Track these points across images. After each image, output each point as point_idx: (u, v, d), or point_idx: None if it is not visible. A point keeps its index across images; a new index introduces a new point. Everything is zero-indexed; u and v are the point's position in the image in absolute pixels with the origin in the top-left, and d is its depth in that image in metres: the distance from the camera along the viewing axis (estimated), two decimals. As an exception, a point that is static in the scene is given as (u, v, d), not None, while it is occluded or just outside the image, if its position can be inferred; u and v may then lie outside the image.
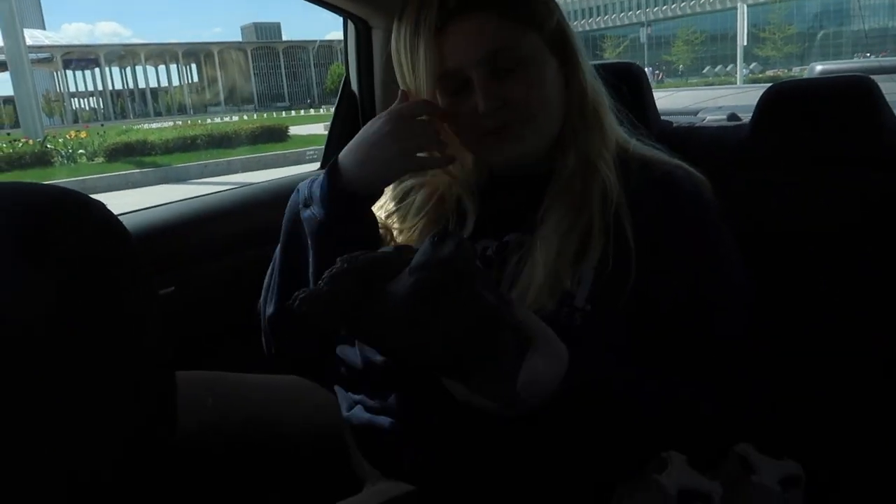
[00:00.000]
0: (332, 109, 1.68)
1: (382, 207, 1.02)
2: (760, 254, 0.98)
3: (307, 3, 1.44)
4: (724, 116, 2.78)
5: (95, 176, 9.46)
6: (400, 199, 1.03)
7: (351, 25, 1.58)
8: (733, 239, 0.95)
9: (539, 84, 0.90)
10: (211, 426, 0.86)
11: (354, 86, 1.62)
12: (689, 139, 1.31)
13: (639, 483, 0.79)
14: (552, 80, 0.92)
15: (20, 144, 11.73)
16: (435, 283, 0.68)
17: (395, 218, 1.01)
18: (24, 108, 13.90)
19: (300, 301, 0.69)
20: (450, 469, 0.87)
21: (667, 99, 5.36)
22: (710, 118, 3.00)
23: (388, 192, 1.04)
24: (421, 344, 0.68)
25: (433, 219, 0.99)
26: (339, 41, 1.64)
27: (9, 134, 13.44)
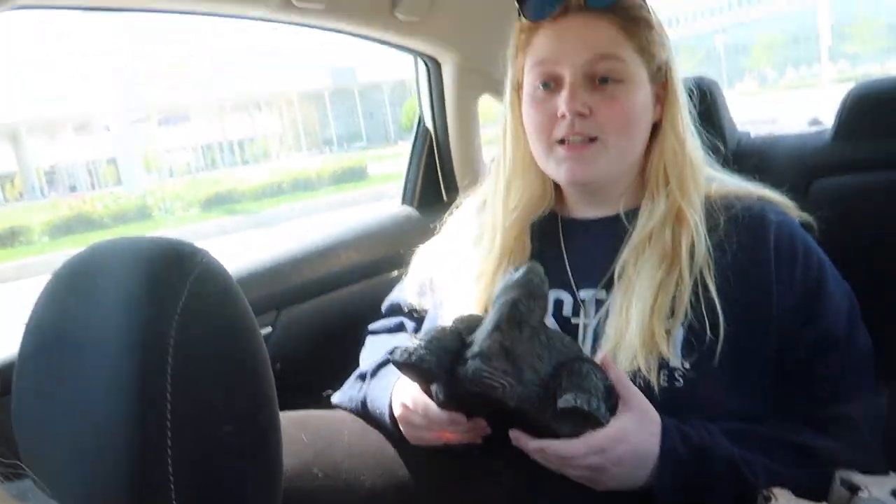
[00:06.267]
0: (408, 146, 1.74)
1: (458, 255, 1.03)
2: (846, 262, 0.95)
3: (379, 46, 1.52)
4: (806, 122, 2.69)
5: (191, 226, 9.96)
6: (475, 239, 1.03)
7: (421, 64, 1.64)
8: (828, 264, 0.90)
9: (629, 104, 0.89)
10: (306, 463, 0.90)
11: (428, 122, 1.67)
12: (767, 149, 1.29)
13: None
14: (643, 106, 0.91)
15: (122, 201, 12.52)
16: (514, 301, 0.73)
17: (471, 263, 1.01)
18: (125, 166, 14.87)
19: (399, 358, 0.75)
20: None
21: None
22: (791, 125, 2.92)
23: (468, 236, 1.05)
24: (513, 378, 0.72)
25: (499, 263, 0.97)
26: (413, 79, 1.70)
27: (112, 191, 14.38)
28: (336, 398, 1.06)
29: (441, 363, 0.75)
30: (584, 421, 0.74)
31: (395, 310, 1.14)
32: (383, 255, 1.42)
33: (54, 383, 0.60)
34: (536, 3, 0.92)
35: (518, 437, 0.78)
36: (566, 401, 0.71)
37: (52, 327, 0.63)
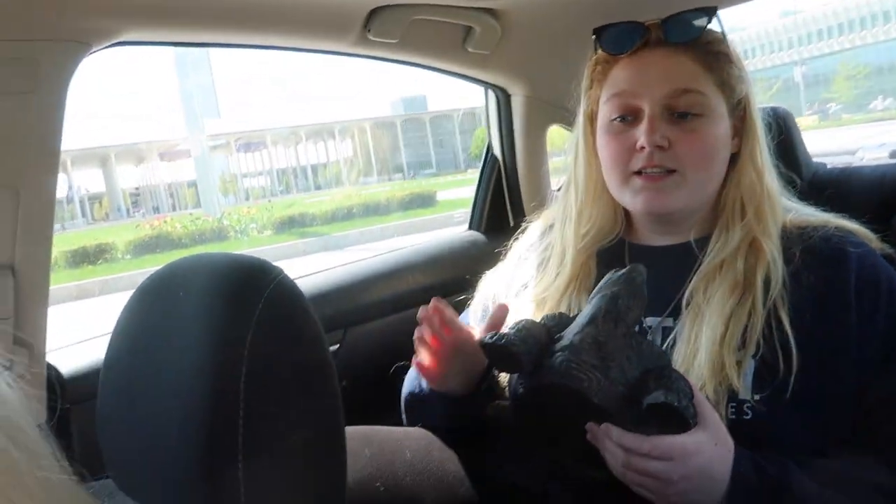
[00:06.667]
0: (477, 173, 1.76)
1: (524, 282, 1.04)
2: None
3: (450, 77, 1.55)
4: (886, 154, 2.58)
5: (265, 247, 10.26)
6: (540, 264, 1.04)
7: (491, 94, 1.66)
8: None
9: (709, 138, 0.89)
10: (369, 477, 0.91)
11: (497, 151, 1.69)
12: (844, 181, 1.25)
13: None
14: (722, 140, 0.91)
15: (201, 222, 13.03)
16: (615, 295, 0.74)
17: (536, 285, 1.02)
18: (205, 190, 15.51)
19: (488, 340, 0.75)
20: None
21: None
22: (870, 156, 2.80)
23: (532, 261, 1.06)
24: (601, 374, 0.72)
25: (565, 288, 0.97)
26: (483, 108, 1.73)
27: (191, 213, 14.99)
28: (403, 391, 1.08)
29: (529, 351, 0.75)
30: (668, 425, 0.72)
31: None
32: (450, 278, 1.44)
33: (136, 388, 0.64)
34: (616, 37, 0.92)
35: (591, 427, 0.75)
36: (655, 397, 0.69)
37: (135, 336, 0.67)
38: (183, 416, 0.57)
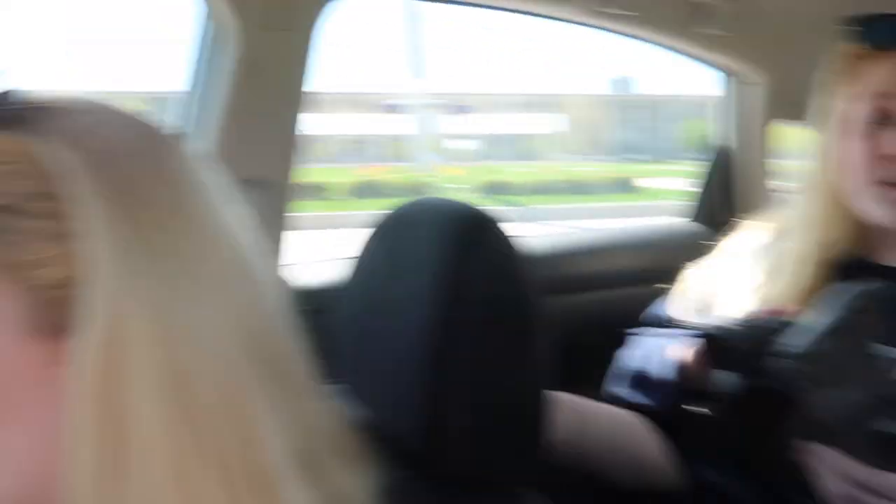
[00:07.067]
0: (687, 164, 1.70)
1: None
2: None
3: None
4: None
5: (465, 209, 10.56)
6: (771, 270, 0.97)
7: (720, 79, 1.59)
8: None
9: None
10: (566, 443, 0.95)
11: (721, 140, 1.62)
12: None
13: None
14: None
15: (408, 176, 13.66)
16: (862, 308, 0.71)
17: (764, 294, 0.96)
18: (416, 146, 16.24)
19: (713, 332, 0.75)
20: None
21: None
22: None
23: (761, 265, 1.00)
24: (829, 388, 0.69)
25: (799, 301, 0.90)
26: (702, 96, 1.66)
27: (402, 167, 15.77)
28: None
29: (753, 350, 0.74)
30: (893, 459, 0.68)
31: (661, 322, 1.14)
32: (659, 265, 1.41)
33: (370, 309, 0.72)
34: (883, 30, 0.85)
35: (822, 452, 0.72)
36: (885, 425, 0.67)
37: (373, 264, 0.74)
38: (401, 345, 0.63)
